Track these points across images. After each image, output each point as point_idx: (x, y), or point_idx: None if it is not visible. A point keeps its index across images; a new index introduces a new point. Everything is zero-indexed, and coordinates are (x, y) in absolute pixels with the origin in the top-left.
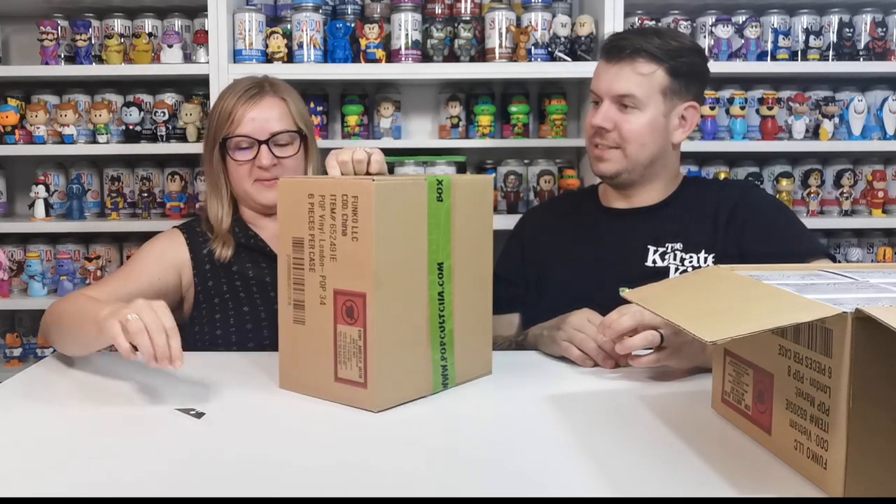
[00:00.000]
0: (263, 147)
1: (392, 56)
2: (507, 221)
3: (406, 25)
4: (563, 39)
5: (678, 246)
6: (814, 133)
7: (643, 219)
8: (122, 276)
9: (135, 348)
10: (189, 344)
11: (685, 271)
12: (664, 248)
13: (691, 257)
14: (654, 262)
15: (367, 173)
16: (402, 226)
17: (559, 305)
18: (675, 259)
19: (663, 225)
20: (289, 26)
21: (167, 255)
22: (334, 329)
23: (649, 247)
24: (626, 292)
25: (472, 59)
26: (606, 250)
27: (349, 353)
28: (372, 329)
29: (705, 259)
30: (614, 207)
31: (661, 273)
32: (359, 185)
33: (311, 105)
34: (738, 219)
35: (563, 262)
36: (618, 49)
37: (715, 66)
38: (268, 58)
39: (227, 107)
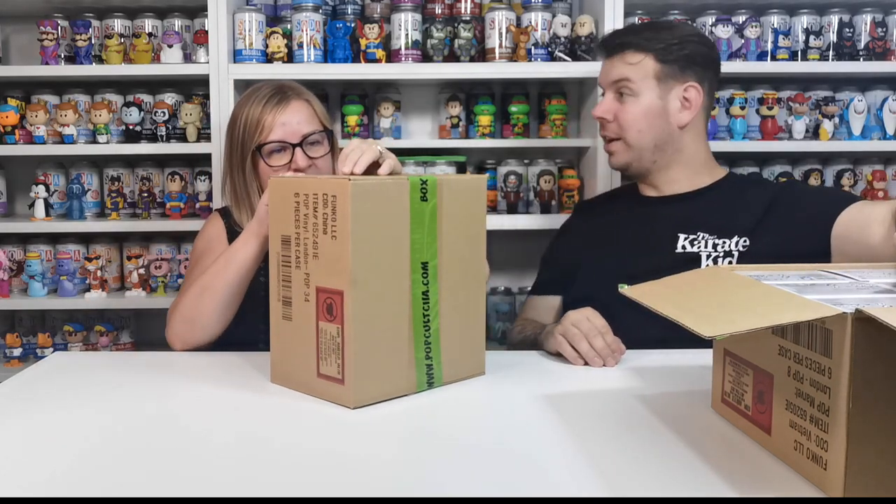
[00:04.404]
0: (298, 150)
1: (392, 56)
2: (508, 221)
3: (406, 25)
4: (563, 39)
5: (711, 235)
6: (814, 133)
7: (673, 206)
8: (201, 270)
9: None
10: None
11: (717, 258)
12: (695, 236)
13: (724, 242)
14: (683, 248)
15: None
16: (382, 225)
17: (590, 292)
18: (706, 246)
19: (694, 214)
20: (289, 26)
21: (222, 236)
22: (316, 326)
23: (679, 234)
24: (625, 289)
25: (472, 59)
26: (636, 237)
27: (329, 350)
28: (349, 326)
29: (737, 243)
30: (648, 196)
31: (693, 260)
32: (337, 184)
33: None
34: (778, 214)
35: (596, 249)
36: (607, 44)
37: None
38: (268, 58)
39: (254, 115)
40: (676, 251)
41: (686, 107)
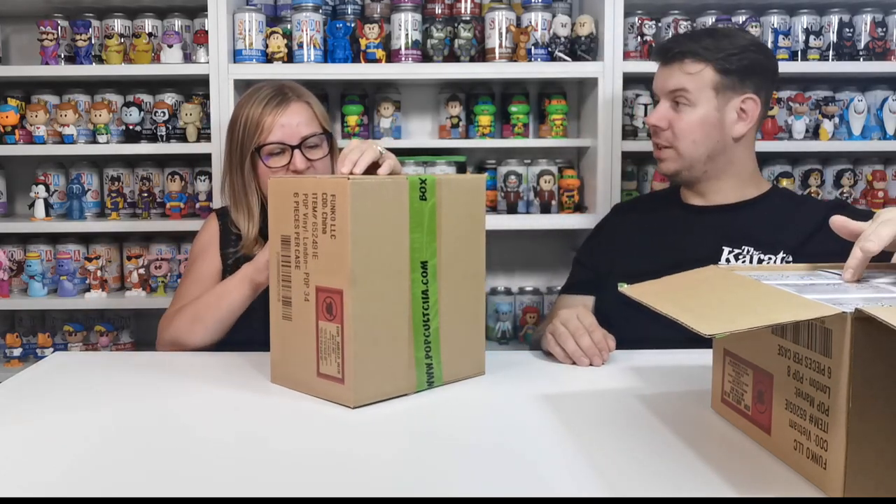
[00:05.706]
0: (296, 152)
1: (392, 56)
2: (508, 221)
3: (406, 25)
4: (563, 39)
5: (757, 250)
6: (814, 133)
7: (718, 217)
8: (193, 278)
9: None
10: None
11: None
12: (740, 250)
13: (770, 259)
14: (727, 261)
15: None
16: (381, 224)
17: (625, 297)
18: (751, 261)
19: (740, 226)
20: (289, 26)
21: (216, 240)
22: (316, 325)
23: (724, 247)
24: (624, 287)
25: (472, 59)
26: (677, 245)
27: (328, 349)
28: (349, 325)
29: (782, 259)
30: (691, 204)
31: None
32: (337, 183)
33: None
34: (829, 236)
35: (632, 252)
36: (666, 51)
37: None
38: (268, 58)
39: (254, 116)
40: (719, 264)
41: (742, 118)
